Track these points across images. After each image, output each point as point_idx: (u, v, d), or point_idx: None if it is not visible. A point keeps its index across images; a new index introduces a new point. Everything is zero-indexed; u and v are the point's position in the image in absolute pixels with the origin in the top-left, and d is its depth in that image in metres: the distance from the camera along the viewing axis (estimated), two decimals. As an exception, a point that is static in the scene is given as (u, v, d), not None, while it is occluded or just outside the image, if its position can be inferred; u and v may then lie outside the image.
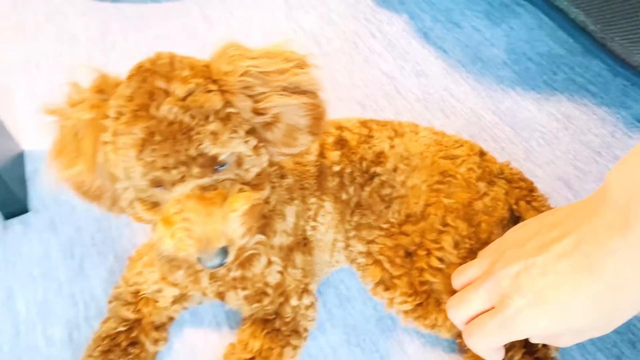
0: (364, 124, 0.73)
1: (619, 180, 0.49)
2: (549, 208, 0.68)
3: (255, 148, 0.52)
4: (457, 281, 0.60)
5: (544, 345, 0.62)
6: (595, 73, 0.92)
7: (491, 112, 0.90)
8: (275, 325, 0.64)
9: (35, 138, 0.96)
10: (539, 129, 0.87)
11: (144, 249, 0.71)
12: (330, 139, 0.70)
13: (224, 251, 0.50)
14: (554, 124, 0.87)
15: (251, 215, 0.52)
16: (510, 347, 0.61)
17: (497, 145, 0.85)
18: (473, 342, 0.57)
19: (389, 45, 1.02)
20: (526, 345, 0.62)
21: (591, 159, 0.82)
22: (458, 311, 0.58)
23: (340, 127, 0.72)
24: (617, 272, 0.47)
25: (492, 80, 0.94)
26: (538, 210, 0.66)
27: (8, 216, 0.85)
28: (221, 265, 0.50)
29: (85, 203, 0.56)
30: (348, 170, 0.69)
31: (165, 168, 0.48)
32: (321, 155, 0.69)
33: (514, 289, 0.51)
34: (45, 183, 0.88)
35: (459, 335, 0.63)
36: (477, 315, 0.56)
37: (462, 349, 0.65)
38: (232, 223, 0.49)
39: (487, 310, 0.55)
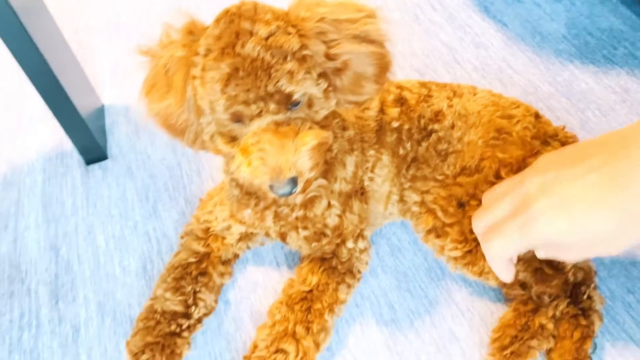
0: (423, 84, 0.77)
1: None
2: None
3: (325, 92, 0.57)
4: (488, 196, 0.61)
5: (589, 297, 0.65)
6: (657, 48, 0.92)
7: (548, 83, 0.92)
8: (332, 263, 0.70)
9: (113, 94, 1.04)
10: (595, 100, 0.88)
11: (214, 191, 0.77)
12: (391, 97, 0.74)
13: (294, 181, 0.55)
14: (611, 96, 0.88)
15: (318, 151, 0.56)
16: (555, 297, 0.64)
17: (553, 115, 0.87)
18: (490, 247, 0.56)
19: (449, 17, 1.04)
20: (571, 295, 0.65)
21: (648, 131, 0.83)
22: (481, 219, 0.58)
23: (400, 87, 0.76)
24: None
25: (550, 53, 0.96)
26: None
27: (89, 162, 0.93)
28: (290, 194, 0.55)
29: (169, 138, 0.62)
30: (406, 127, 0.73)
31: (246, 102, 0.53)
32: (381, 111, 0.73)
33: (540, 192, 0.51)
34: (123, 134, 0.96)
35: (505, 284, 0.67)
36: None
37: (508, 299, 0.69)
38: (302, 155, 0.54)
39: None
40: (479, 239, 0.59)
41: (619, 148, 0.49)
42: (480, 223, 0.59)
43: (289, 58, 0.53)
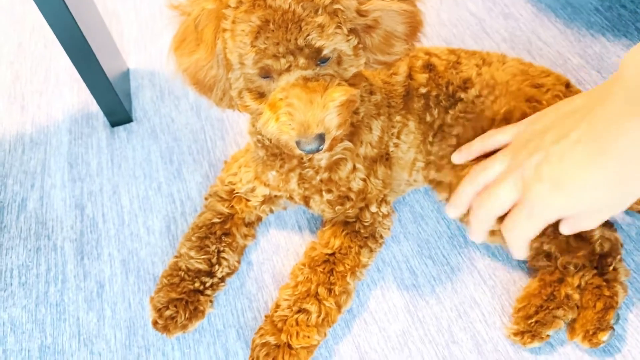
0: (452, 51, 0.76)
1: (635, 61, 0.49)
2: None
3: (355, 49, 0.56)
4: (480, 178, 0.61)
5: (614, 269, 0.64)
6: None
7: (578, 55, 0.90)
8: (355, 227, 0.70)
9: (138, 58, 1.04)
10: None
11: (239, 153, 0.78)
12: (419, 63, 0.73)
13: (321, 138, 0.55)
14: None
15: (347, 109, 0.56)
16: (581, 267, 0.64)
17: (582, 87, 0.86)
18: (513, 237, 0.59)
19: (478, -13, 1.03)
20: (597, 266, 0.64)
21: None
22: (491, 206, 0.59)
23: (428, 53, 0.75)
24: (632, 151, 0.49)
25: (581, 25, 0.94)
26: None
27: (114, 124, 0.94)
28: (317, 151, 0.55)
29: (196, 95, 0.62)
30: (434, 93, 0.72)
31: (275, 56, 0.53)
32: (409, 77, 0.72)
33: (535, 179, 0.54)
34: (148, 97, 0.97)
35: (531, 256, 0.66)
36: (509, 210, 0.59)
37: (532, 269, 0.68)
38: (331, 112, 0.54)
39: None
40: (488, 225, 0.62)
41: (597, 104, 0.52)
42: (490, 209, 0.60)
43: (320, 11, 0.52)
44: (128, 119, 0.94)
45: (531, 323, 0.63)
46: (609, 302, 0.62)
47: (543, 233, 0.63)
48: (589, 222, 0.56)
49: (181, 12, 0.58)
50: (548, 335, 0.62)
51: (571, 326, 0.63)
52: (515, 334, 0.63)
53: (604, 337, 0.60)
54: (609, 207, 0.54)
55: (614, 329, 0.61)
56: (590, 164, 0.51)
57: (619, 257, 0.65)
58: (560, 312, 0.63)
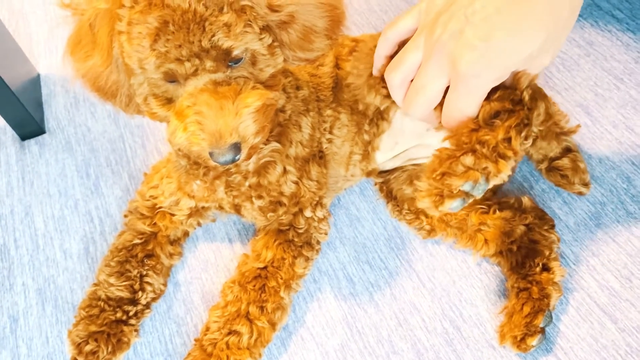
0: (379, 35, 0.71)
1: None
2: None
3: (270, 47, 0.52)
4: (398, 73, 0.52)
5: (547, 269, 0.62)
6: (622, -1, 0.89)
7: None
8: (288, 236, 0.65)
9: (50, 62, 0.96)
10: (559, 55, 0.84)
11: (160, 164, 0.72)
12: (345, 50, 0.69)
13: (236, 147, 0.49)
14: (575, 50, 0.84)
15: (264, 114, 0.51)
16: (506, 115, 0.50)
17: (516, 72, 0.83)
18: (457, 119, 0.50)
19: (407, -30, 0.99)
20: (523, 266, 0.63)
21: (612, 86, 0.80)
22: (419, 99, 0.51)
23: (355, 40, 0.70)
24: None
25: None
26: None
27: (25, 137, 0.86)
28: (233, 162, 0.50)
29: (101, 102, 0.56)
30: (364, 79, 0.67)
31: (179, 60, 0.48)
32: (336, 66, 0.68)
33: (462, 48, 0.46)
34: (61, 105, 0.89)
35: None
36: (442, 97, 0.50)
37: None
38: (245, 119, 0.49)
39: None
40: (424, 118, 0.53)
41: None
42: (418, 103, 0.51)
43: (225, 9, 0.47)
44: (40, 131, 0.87)
45: (437, 176, 0.48)
46: (538, 305, 0.60)
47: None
48: (540, 62, 0.48)
49: (74, 11, 0.52)
50: (462, 192, 0.47)
51: (501, 330, 0.61)
52: (424, 197, 0.49)
53: (533, 341, 0.58)
54: (547, 50, 0.47)
55: (544, 333, 0.59)
56: (519, 12, 0.44)
57: (553, 255, 0.64)
58: (469, 159, 0.47)
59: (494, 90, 0.49)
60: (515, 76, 0.50)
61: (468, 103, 0.49)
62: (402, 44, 0.55)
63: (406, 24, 0.53)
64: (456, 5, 0.47)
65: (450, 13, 0.47)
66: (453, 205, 0.48)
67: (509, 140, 0.48)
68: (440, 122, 0.53)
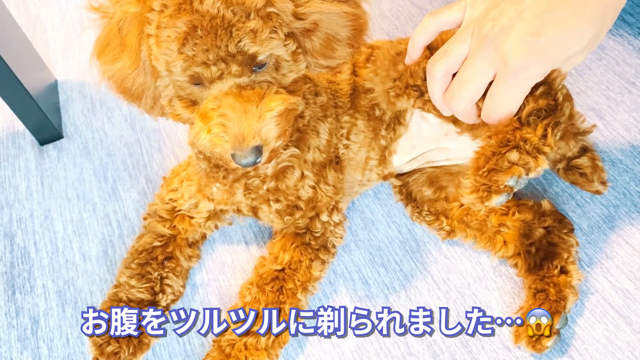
0: (393, 42, 0.72)
1: None
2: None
3: (294, 54, 0.53)
4: (443, 65, 0.53)
5: (565, 272, 0.63)
6: (634, 3, 0.89)
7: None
8: (305, 239, 0.66)
9: (67, 68, 0.98)
10: (571, 59, 0.85)
11: (179, 168, 0.73)
12: (362, 57, 0.70)
13: (258, 150, 0.51)
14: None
15: (286, 118, 0.52)
16: (544, 116, 0.54)
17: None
18: (502, 113, 0.52)
19: (419, -24, 1.00)
20: (541, 267, 0.63)
21: (624, 89, 0.80)
22: (463, 92, 0.52)
23: (371, 47, 0.71)
24: None
25: None
26: None
27: (43, 142, 0.88)
28: (254, 164, 0.51)
29: (126, 105, 0.57)
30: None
31: (205, 64, 0.49)
32: (354, 73, 0.69)
33: (514, 42, 0.47)
34: (78, 111, 0.91)
35: None
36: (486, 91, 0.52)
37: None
38: (267, 122, 0.50)
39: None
40: (463, 113, 0.54)
41: None
42: (462, 97, 0.52)
43: (252, 16, 0.48)
44: (58, 136, 0.88)
45: (483, 173, 0.51)
46: (554, 306, 0.60)
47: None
48: (581, 57, 0.50)
49: (102, 14, 0.53)
50: (507, 187, 0.50)
51: (516, 330, 0.62)
52: (471, 193, 0.52)
53: (548, 343, 0.59)
54: (596, 41, 0.49)
55: (559, 335, 0.60)
56: (569, 10, 0.45)
57: (571, 259, 0.64)
58: (515, 156, 0.50)
59: (533, 88, 0.51)
60: (551, 75, 0.52)
61: (513, 97, 0.51)
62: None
63: (450, 16, 0.54)
64: (505, 1, 0.48)
65: (500, 9, 0.48)
66: (500, 200, 0.51)
67: (545, 137, 0.52)
68: (479, 118, 0.55)
